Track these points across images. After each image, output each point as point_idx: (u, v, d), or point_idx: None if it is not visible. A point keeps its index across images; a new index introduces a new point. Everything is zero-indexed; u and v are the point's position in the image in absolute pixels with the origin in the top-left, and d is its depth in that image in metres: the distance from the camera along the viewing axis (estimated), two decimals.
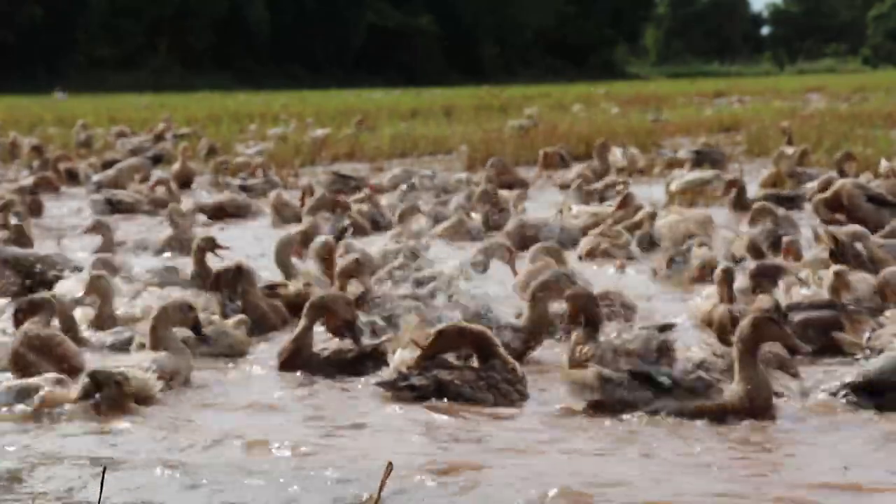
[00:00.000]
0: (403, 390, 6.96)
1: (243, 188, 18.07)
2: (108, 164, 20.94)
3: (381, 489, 5.16)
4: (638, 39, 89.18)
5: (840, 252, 9.81)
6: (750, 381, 6.50)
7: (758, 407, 6.49)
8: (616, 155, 19.97)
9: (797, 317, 8.09)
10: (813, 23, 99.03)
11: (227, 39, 68.03)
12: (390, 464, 5.12)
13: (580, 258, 11.82)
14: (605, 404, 6.57)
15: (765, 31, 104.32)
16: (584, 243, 12.10)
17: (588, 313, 7.21)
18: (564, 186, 18.00)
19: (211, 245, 9.97)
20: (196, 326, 7.63)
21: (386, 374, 7.14)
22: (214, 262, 9.80)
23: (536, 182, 19.21)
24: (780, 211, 12.69)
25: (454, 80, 58.04)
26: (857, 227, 10.32)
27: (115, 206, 16.57)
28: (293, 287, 9.32)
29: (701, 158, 20.21)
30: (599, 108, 35.40)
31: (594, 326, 7.17)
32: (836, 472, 5.68)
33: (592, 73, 67.22)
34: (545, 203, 15.63)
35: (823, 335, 7.88)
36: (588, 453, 6.03)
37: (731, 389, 6.54)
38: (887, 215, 12.60)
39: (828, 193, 12.98)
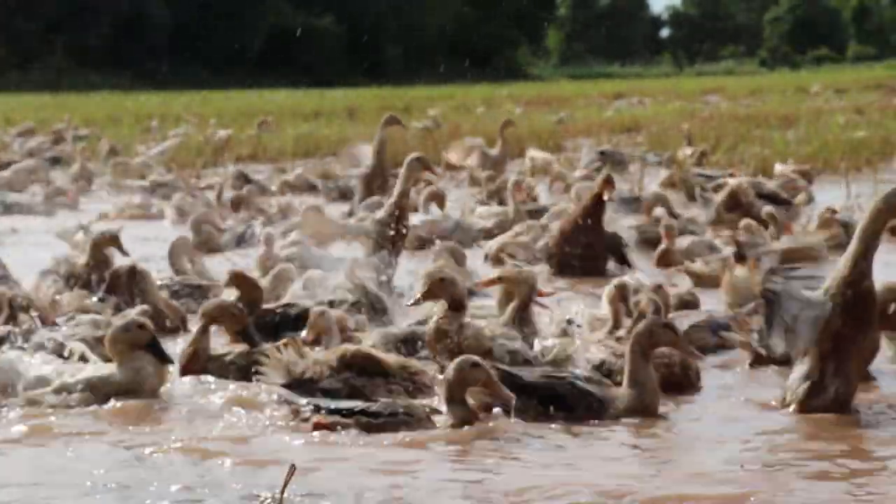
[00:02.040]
0: (315, 394, 6.91)
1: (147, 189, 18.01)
2: (3, 166, 20.57)
3: (283, 489, 5.16)
4: (540, 41, 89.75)
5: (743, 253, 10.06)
6: (640, 384, 6.62)
7: (647, 410, 6.61)
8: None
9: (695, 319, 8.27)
10: (711, 25, 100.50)
11: (127, 38, 67.14)
12: (293, 465, 5.12)
13: (486, 258, 11.90)
14: None
15: (664, 33, 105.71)
16: (493, 245, 12.20)
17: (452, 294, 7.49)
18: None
19: (112, 242, 9.83)
20: (153, 345, 7.16)
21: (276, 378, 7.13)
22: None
23: (439, 183, 19.23)
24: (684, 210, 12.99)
25: (357, 81, 57.85)
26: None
27: (10, 209, 16.34)
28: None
29: (605, 159, 20.46)
30: (503, 109, 35.58)
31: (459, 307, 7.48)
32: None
33: (495, 75, 67.45)
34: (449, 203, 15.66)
35: (715, 337, 8.06)
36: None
37: (621, 392, 6.66)
38: (781, 212, 12.98)
39: (724, 195, 13.20)
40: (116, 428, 6.59)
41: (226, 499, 5.45)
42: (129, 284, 8.92)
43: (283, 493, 5.18)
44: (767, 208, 12.28)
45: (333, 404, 6.53)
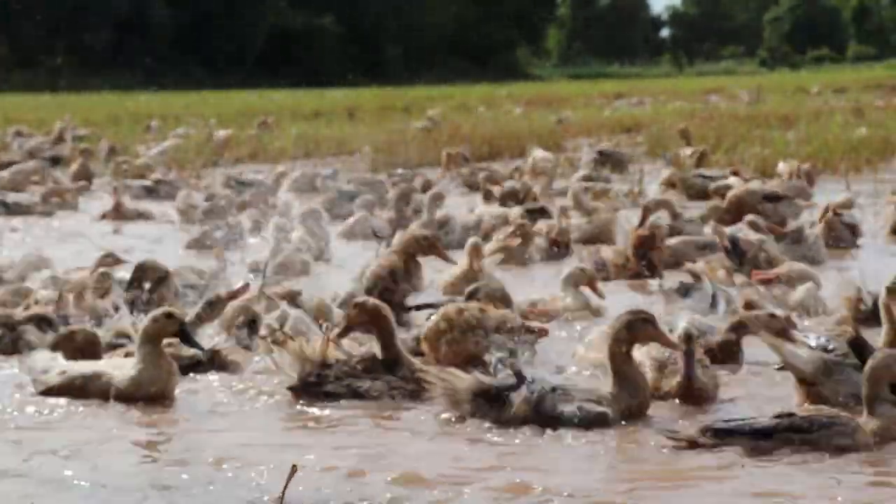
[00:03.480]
0: (319, 396, 6.97)
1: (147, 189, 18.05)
2: (4, 165, 20.56)
3: (284, 490, 5.14)
4: (540, 41, 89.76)
5: (737, 253, 10.04)
6: (626, 381, 6.52)
7: (640, 406, 6.53)
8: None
9: None
10: (711, 25, 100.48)
11: (128, 39, 67.15)
12: (294, 466, 5.11)
13: None
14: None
15: (664, 33, 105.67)
16: (490, 245, 12.19)
17: None
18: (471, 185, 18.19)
19: (113, 261, 9.91)
20: (183, 332, 7.16)
21: (286, 377, 7.11)
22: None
23: (440, 183, 19.25)
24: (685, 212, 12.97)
25: (357, 81, 57.81)
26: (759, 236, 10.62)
27: (9, 209, 16.36)
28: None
29: (604, 160, 20.44)
30: (502, 109, 35.57)
31: None
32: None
33: (495, 75, 67.41)
34: (450, 203, 15.69)
35: None
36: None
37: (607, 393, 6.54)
38: (785, 209, 13.07)
39: (725, 205, 13.07)
40: (116, 427, 6.59)
41: (227, 500, 5.44)
42: (155, 286, 8.89)
43: (283, 494, 5.17)
44: (749, 216, 12.27)
45: (741, 425, 6.02)
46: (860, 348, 6.67)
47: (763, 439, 5.93)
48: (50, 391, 7.11)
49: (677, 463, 5.90)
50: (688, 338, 6.77)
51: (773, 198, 13.34)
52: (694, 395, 6.71)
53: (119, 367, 7.11)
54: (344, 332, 7.29)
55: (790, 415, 6.06)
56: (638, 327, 6.59)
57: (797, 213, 13.55)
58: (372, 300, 7.34)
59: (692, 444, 5.99)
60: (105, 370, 7.11)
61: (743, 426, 6.02)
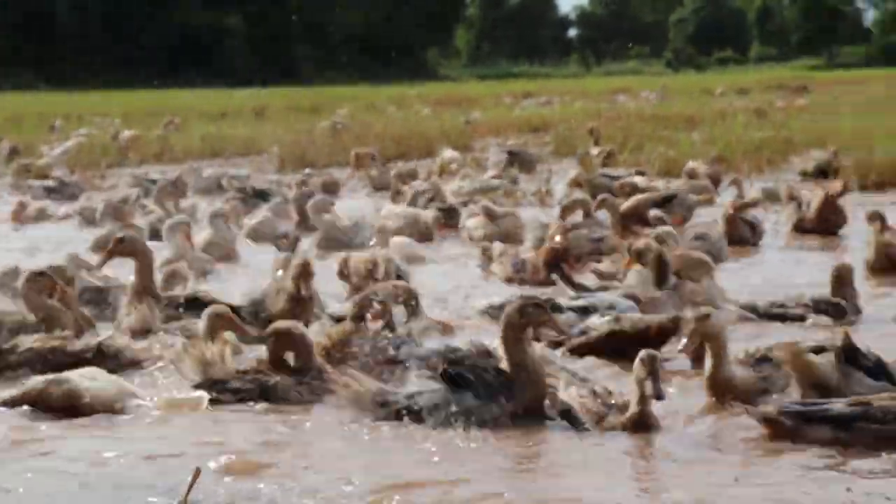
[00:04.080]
0: (225, 393, 6.97)
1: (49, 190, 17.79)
2: None
3: (188, 491, 5.13)
4: (449, 41, 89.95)
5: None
6: (522, 371, 6.49)
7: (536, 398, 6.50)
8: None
9: None
10: (618, 25, 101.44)
11: (32, 37, 66.10)
12: (198, 468, 5.11)
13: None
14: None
15: (572, 33, 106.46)
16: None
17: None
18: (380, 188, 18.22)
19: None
20: None
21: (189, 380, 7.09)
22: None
23: (349, 183, 19.27)
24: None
25: (266, 81, 57.44)
26: (665, 230, 10.79)
27: None
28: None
29: (513, 159, 20.56)
30: (412, 109, 35.61)
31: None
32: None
33: (404, 75, 67.41)
34: (357, 204, 15.70)
35: None
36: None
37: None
38: (678, 208, 13.40)
39: (623, 211, 13.11)
40: (28, 428, 6.52)
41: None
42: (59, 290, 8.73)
43: (187, 496, 5.15)
44: (654, 212, 12.46)
45: (822, 409, 5.87)
46: (852, 353, 6.53)
47: (843, 429, 5.77)
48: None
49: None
50: (651, 359, 6.31)
51: (662, 202, 13.54)
52: (648, 424, 6.32)
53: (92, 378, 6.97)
54: (274, 360, 7.17)
55: (866, 403, 5.89)
56: (530, 312, 6.59)
57: (692, 207, 13.95)
58: (284, 325, 7.22)
59: (771, 423, 5.85)
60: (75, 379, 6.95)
61: (824, 411, 5.84)
